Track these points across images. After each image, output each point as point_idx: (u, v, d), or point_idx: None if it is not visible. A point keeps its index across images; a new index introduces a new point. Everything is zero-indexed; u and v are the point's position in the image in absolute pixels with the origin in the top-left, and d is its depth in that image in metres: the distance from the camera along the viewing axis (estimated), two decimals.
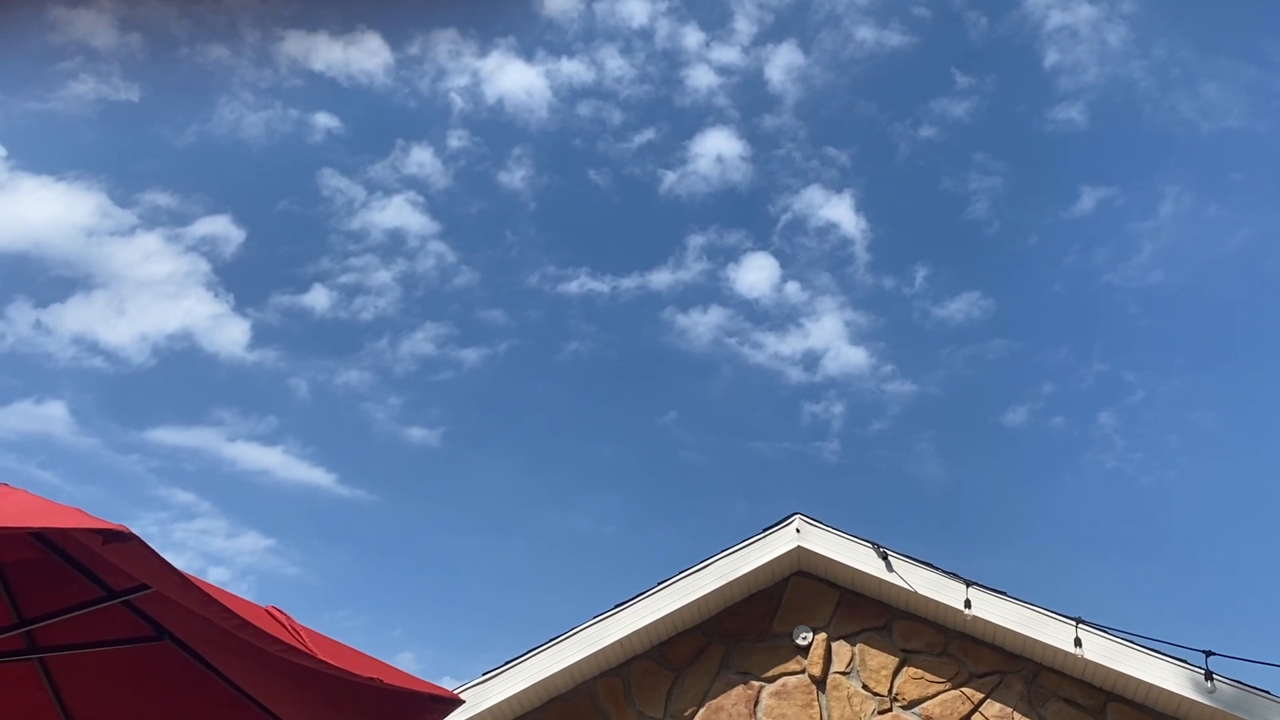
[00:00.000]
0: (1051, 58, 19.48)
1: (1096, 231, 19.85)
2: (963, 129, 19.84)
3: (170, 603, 4.01)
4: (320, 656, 3.71)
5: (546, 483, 21.34)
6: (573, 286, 19.95)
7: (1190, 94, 19.49)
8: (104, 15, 19.32)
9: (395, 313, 20.17)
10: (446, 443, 20.47)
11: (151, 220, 19.62)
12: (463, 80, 20.06)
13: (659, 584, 7.98)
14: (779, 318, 19.76)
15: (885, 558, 7.86)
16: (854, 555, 7.94)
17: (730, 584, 7.95)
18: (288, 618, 4.00)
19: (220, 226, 19.76)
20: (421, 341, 20.06)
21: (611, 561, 19.73)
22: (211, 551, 20.03)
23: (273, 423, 20.56)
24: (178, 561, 3.35)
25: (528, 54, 19.99)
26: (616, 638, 7.86)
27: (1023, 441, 19.73)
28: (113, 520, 3.17)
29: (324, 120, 19.87)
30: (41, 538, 4.07)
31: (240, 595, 3.87)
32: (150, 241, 19.66)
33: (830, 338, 19.57)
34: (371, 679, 3.83)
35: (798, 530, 8.00)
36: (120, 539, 3.07)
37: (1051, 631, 7.61)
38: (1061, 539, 19.51)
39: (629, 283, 19.98)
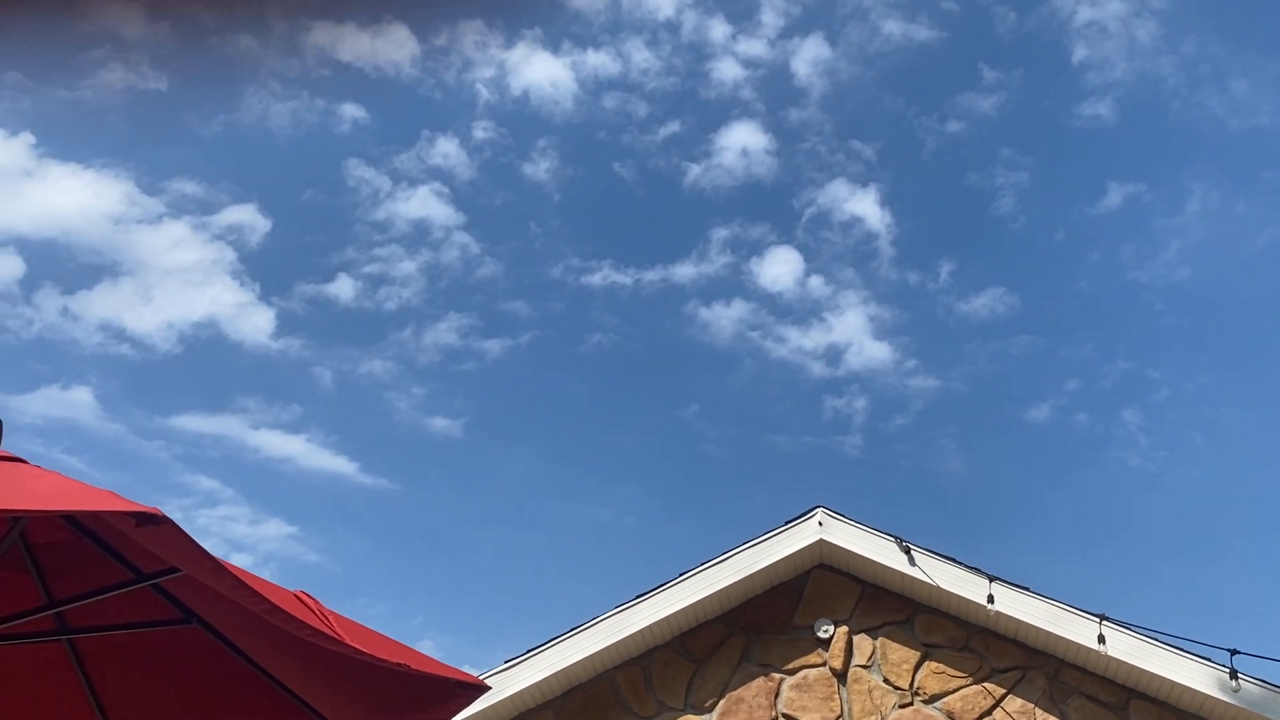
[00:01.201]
0: (1080, 53, 19.36)
1: (1123, 228, 19.74)
2: (990, 124, 19.74)
3: (199, 586, 4.03)
4: (348, 641, 3.72)
5: (568, 474, 21.38)
6: (596, 279, 19.97)
7: (1219, 90, 19.33)
8: (134, 4, 19.41)
9: (419, 303, 20.23)
10: (468, 433, 20.54)
11: (178, 209, 19.73)
12: (489, 72, 20.07)
13: (680, 575, 7.99)
14: (802, 312, 19.72)
15: (908, 552, 7.84)
16: (876, 549, 7.93)
17: (752, 576, 7.95)
18: (316, 602, 4.02)
19: (246, 215, 19.85)
20: (445, 332, 20.12)
21: (632, 553, 19.76)
22: (234, 538, 20.15)
23: (296, 411, 20.67)
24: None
25: (554, 46, 19.98)
26: (638, 628, 7.87)
27: (1046, 438, 19.65)
28: (139, 503, 3.18)
29: (350, 111, 19.91)
30: (72, 520, 4.09)
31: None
32: (177, 230, 19.77)
33: (853, 332, 19.53)
34: (399, 664, 3.84)
35: (820, 523, 7.99)
36: (153, 521, 3.08)
37: (1074, 628, 7.58)
38: (1084, 536, 19.43)
39: (652, 275, 19.99)
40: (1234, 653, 7.19)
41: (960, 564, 7.84)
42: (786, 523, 8.07)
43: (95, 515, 3.61)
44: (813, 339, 19.58)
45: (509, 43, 20.06)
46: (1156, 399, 19.81)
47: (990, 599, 7.65)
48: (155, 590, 4.37)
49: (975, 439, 20.33)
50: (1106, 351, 20.19)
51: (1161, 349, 19.97)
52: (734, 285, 19.82)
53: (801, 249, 19.83)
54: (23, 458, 3.85)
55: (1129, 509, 19.55)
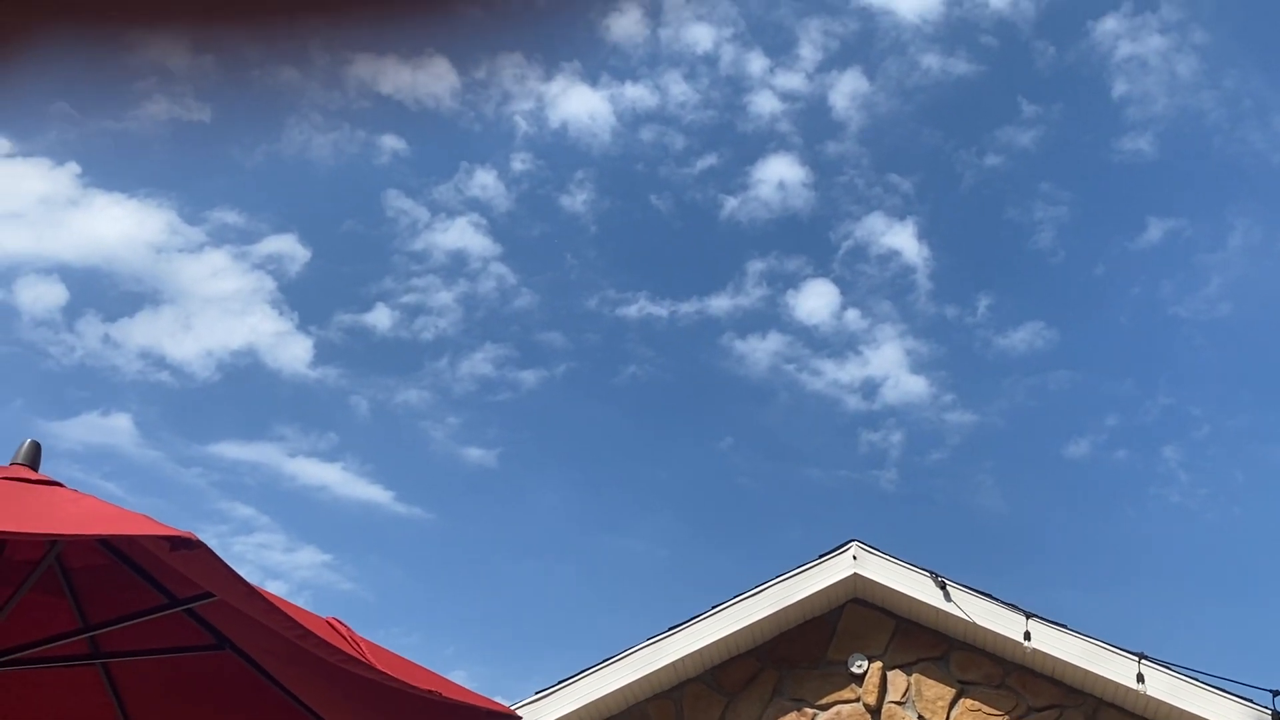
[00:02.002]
0: (1120, 88, 19.28)
1: (1164, 263, 19.58)
2: (1029, 158, 19.68)
3: (232, 611, 4.05)
4: (379, 668, 3.73)
5: (601, 505, 21.36)
6: (631, 310, 20.00)
7: (1261, 125, 19.18)
8: (180, 37, 19.73)
9: (455, 333, 20.32)
10: (503, 463, 20.57)
11: (220, 238, 19.95)
12: (527, 105, 20.21)
13: (713, 608, 7.95)
14: (838, 345, 19.66)
15: (943, 587, 7.77)
16: (911, 583, 7.86)
17: (785, 609, 7.89)
18: (347, 629, 4.03)
19: (286, 245, 20.04)
20: (481, 362, 20.19)
21: (665, 585, 19.68)
22: (270, 565, 20.24)
23: (333, 439, 20.79)
24: None
25: (592, 79, 20.12)
26: (669, 660, 7.83)
27: (1085, 474, 19.45)
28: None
29: (390, 142, 20.10)
30: (107, 544, 4.13)
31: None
32: (218, 259, 19.99)
33: (890, 366, 19.44)
34: (430, 691, 3.83)
35: (854, 557, 7.94)
36: (187, 546, 3.10)
37: (1113, 666, 7.47)
38: (1123, 573, 19.18)
39: (688, 307, 19.99)
40: (1276, 693, 7.07)
41: (997, 600, 7.75)
42: (820, 556, 8.02)
43: (130, 539, 3.64)
44: (849, 372, 19.51)
45: (548, 76, 20.22)
46: (1198, 435, 19.58)
47: (1027, 636, 7.56)
48: (188, 615, 4.39)
49: (1013, 474, 20.16)
50: (1147, 387, 20.00)
51: (1203, 385, 19.76)
52: (770, 318, 19.80)
53: (838, 282, 19.80)
54: (60, 481, 3.90)
55: (1169, 546, 19.29)
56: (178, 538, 3.11)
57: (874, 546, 8.00)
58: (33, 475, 3.86)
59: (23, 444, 4.14)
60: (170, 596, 4.28)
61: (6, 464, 4.07)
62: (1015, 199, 19.88)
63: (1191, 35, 19.33)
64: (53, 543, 3.97)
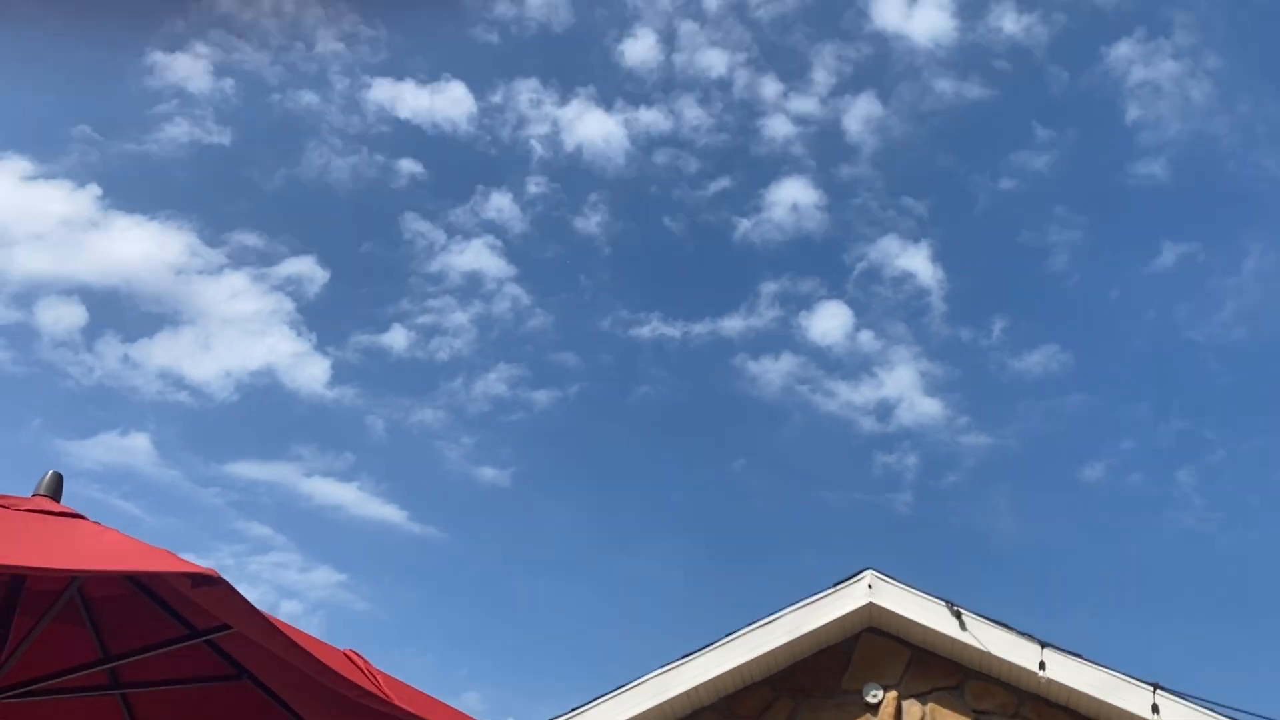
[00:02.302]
0: (1133, 112, 19.30)
1: (1178, 287, 19.55)
2: (1043, 182, 19.69)
3: (250, 642, 4.08)
4: (395, 702, 3.75)
5: (614, 526, 21.36)
6: (645, 331, 20.05)
7: (1275, 150, 19.16)
8: (200, 61, 19.91)
9: (470, 353, 20.40)
10: (516, 483, 20.60)
11: (239, 260, 20.09)
12: (543, 128, 20.34)
13: (727, 636, 7.94)
14: (852, 366, 19.66)
15: (959, 616, 7.75)
16: (927, 613, 7.84)
17: (799, 639, 7.89)
18: (365, 662, 4.05)
19: (305, 267, 20.17)
20: (495, 382, 20.25)
21: (678, 607, 19.65)
22: (285, 585, 20.29)
23: (349, 459, 20.85)
24: (252, 594, 3.41)
25: (607, 103, 20.23)
26: (683, 689, 7.82)
27: (1100, 498, 19.38)
28: (195, 554, 3.24)
29: (408, 166, 20.24)
30: (130, 576, 4.16)
31: (311, 630, 3.93)
32: (237, 280, 20.12)
33: (904, 388, 19.42)
34: None
35: (869, 586, 7.93)
36: (209, 583, 3.14)
37: (1128, 697, 7.44)
38: (1139, 599, 19.08)
39: (701, 328, 20.03)
40: None
41: (1012, 629, 7.73)
42: (835, 585, 8.01)
43: (154, 574, 3.67)
44: (863, 394, 19.50)
45: (563, 100, 20.34)
46: (1212, 459, 19.50)
47: (1042, 666, 7.54)
48: (207, 646, 4.42)
49: (1028, 498, 20.09)
50: (1161, 411, 19.94)
51: (1217, 409, 19.68)
52: (783, 339, 19.82)
53: (852, 304, 19.82)
54: (82, 514, 3.94)
55: (1184, 571, 19.19)
56: (199, 574, 3.15)
57: (889, 575, 7.99)
58: (55, 507, 3.90)
59: (45, 475, 4.18)
60: (190, 627, 4.32)
61: (28, 494, 4.11)
62: (1029, 222, 19.90)
63: (1205, 60, 19.34)
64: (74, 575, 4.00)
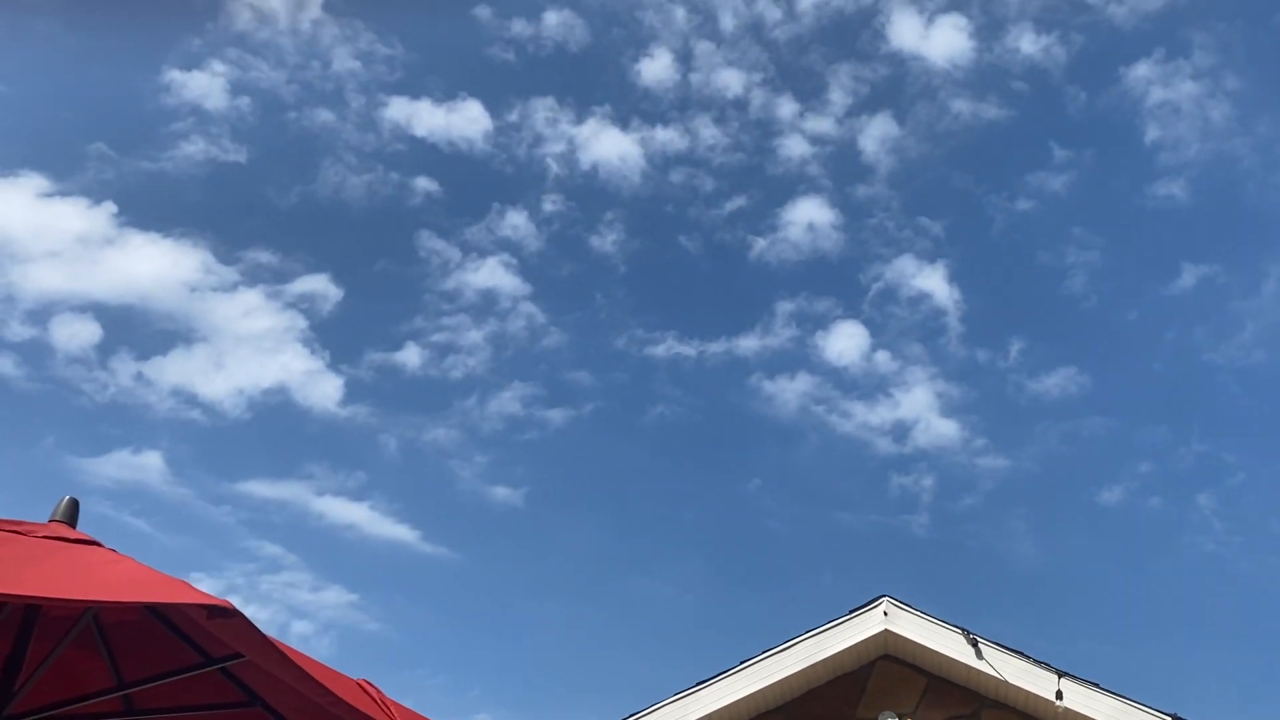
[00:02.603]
0: (1152, 133, 19.28)
1: (1197, 309, 19.48)
2: (1060, 202, 19.67)
3: (264, 669, 4.08)
4: None
5: (628, 547, 21.32)
6: (659, 350, 20.06)
7: None
8: (217, 79, 20.04)
9: (484, 372, 20.42)
10: (529, 503, 20.58)
11: (253, 277, 20.16)
12: (559, 147, 20.40)
13: (741, 663, 7.91)
14: (868, 387, 19.63)
15: (975, 644, 7.71)
16: (943, 641, 7.80)
17: (814, 666, 7.85)
18: (378, 691, 4.05)
19: (319, 285, 20.24)
20: (509, 401, 20.27)
21: (691, 631, 19.59)
22: (296, 604, 20.29)
23: (361, 478, 20.87)
24: (262, 615, 3.42)
25: (623, 122, 20.28)
26: (697, 716, 7.79)
27: (1118, 521, 19.29)
28: (206, 573, 3.25)
29: (424, 184, 20.31)
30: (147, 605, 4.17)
31: (322, 650, 3.94)
32: (251, 298, 20.19)
33: (921, 409, 19.37)
34: None
35: (885, 613, 7.89)
36: (224, 615, 3.14)
37: None
38: (1158, 625, 18.96)
39: (716, 347, 20.03)
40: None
41: (1028, 657, 7.69)
42: (851, 611, 7.98)
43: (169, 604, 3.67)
44: (879, 415, 19.46)
45: (579, 118, 20.40)
46: (1233, 483, 19.39)
47: (1059, 695, 7.49)
48: (221, 673, 4.43)
49: (1046, 521, 20.01)
50: (1181, 434, 19.85)
51: (1238, 432, 19.58)
52: (799, 359, 19.81)
53: (868, 324, 19.80)
54: (98, 540, 3.95)
55: (1204, 597, 19.07)
56: (215, 606, 3.15)
57: (905, 602, 7.96)
58: (71, 534, 3.91)
59: (61, 501, 4.19)
60: (204, 654, 4.32)
61: (42, 515, 4.13)
62: (1047, 243, 19.87)
63: (1224, 81, 19.32)
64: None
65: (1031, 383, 19.41)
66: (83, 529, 4.13)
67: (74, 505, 4.20)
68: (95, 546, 3.85)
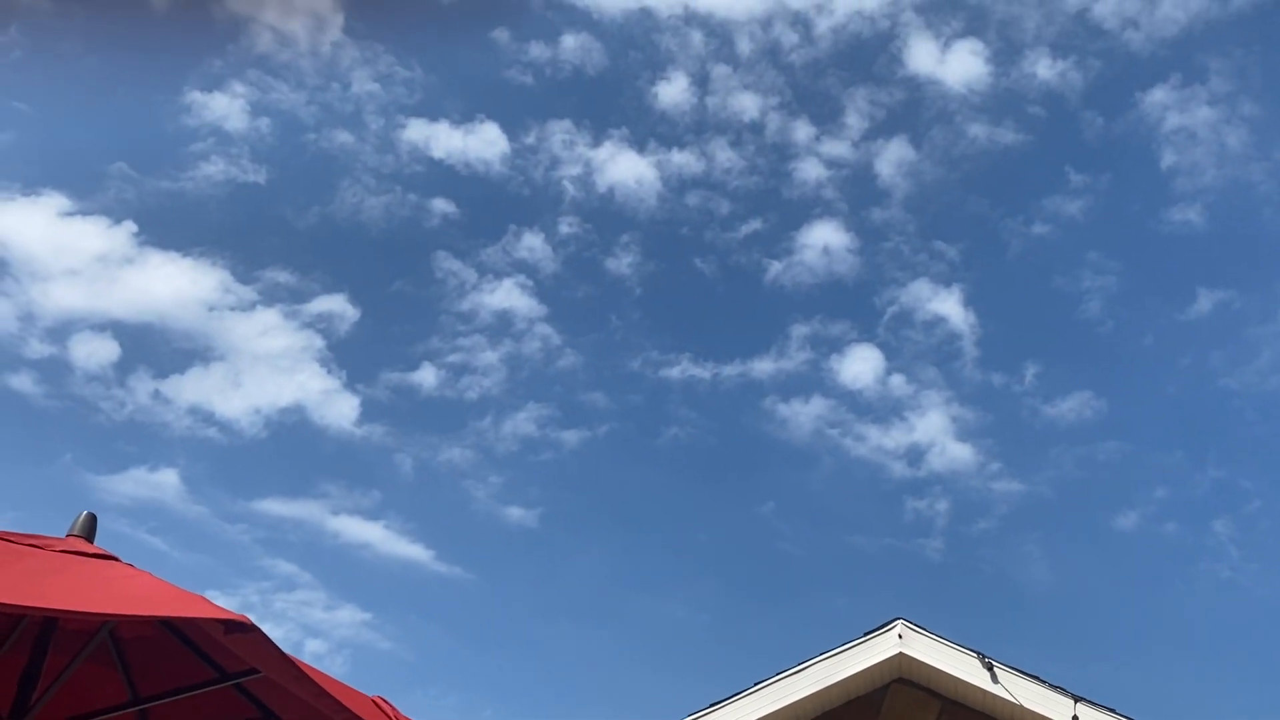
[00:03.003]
0: (1169, 158, 19.26)
1: (1213, 334, 19.42)
2: (1076, 227, 19.65)
3: (279, 686, 4.09)
4: None
5: (642, 568, 21.29)
6: (674, 372, 20.07)
7: None
8: (237, 100, 20.18)
9: (500, 392, 20.46)
10: (543, 523, 20.57)
11: (271, 297, 20.26)
12: (575, 169, 20.49)
13: (755, 685, 7.88)
14: (883, 410, 19.59)
15: (990, 668, 7.67)
16: (957, 664, 7.76)
17: (828, 689, 7.82)
18: (392, 708, 4.05)
19: (336, 304, 20.33)
20: (524, 422, 20.29)
21: (704, 653, 19.53)
22: (310, 623, 20.28)
23: (376, 497, 20.89)
24: (277, 633, 3.43)
25: (640, 144, 20.36)
26: None
27: (1134, 547, 19.19)
28: (221, 590, 3.26)
29: (441, 205, 20.41)
30: (164, 620, 4.18)
31: (336, 669, 3.94)
32: (269, 317, 20.28)
33: (935, 433, 19.33)
34: None
35: (900, 636, 7.86)
36: (242, 630, 3.15)
37: None
38: (1174, 651, 18.82)
39: (731, 370, 20.03)
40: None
41: (1044, 682, 7.64)
42: (865, 634, 7.95)
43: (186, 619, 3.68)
44: (893, 438, 19.42)
45: (596, 141, 20.49)
46: (1249, 509, 19.28)
47: None
48: (236, 689, 4.43)
49: (1061, 546, 19.92)
50: (1197, 460, 19.76)
51: (1254, 458, 19.48)
52: (813, 382, 19.79)
53: (883, 347, 19.78)
54: (116, 555, 3.97)
55: (1220, 623, 18.93)
56: (233, 621, 3.16)
57: (920, 625, 7.92)
58: (89, 549, 3.93)
59: (79, 516, 4.22)
60: (219, 670, 4.33)
61: (60, 532, 4.15)
62: (1063, 268, 19.85)
63: (1241, 107, 19.30)
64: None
65: (1047, 407, 19.37)
66: (99, 545, 4.16)
67: (92, 520, 4.22)
68: (113, 561, 3.86)
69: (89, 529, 4.19)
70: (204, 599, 3.37)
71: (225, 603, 3.35)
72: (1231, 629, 18.89)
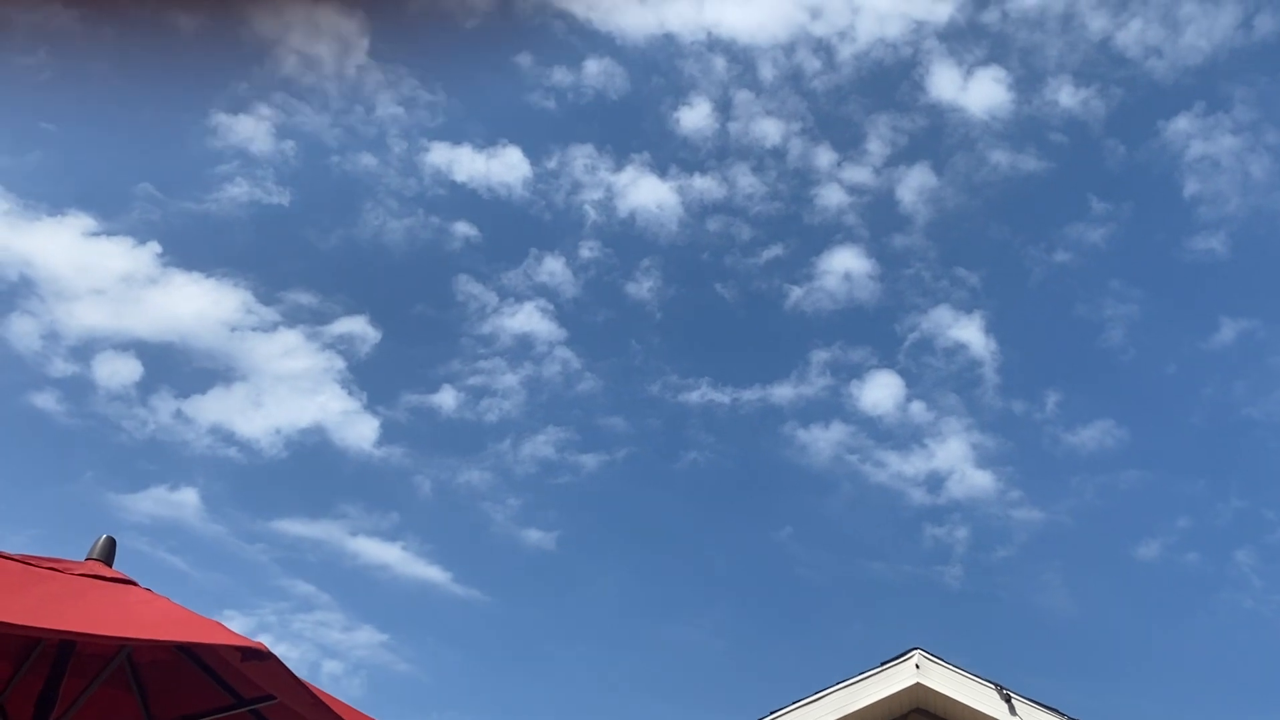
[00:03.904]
0: (1192, 187, 19.19)
1: (1236, 363, 19.29)
2: (1099, 255, 19.58)
3: (294, 712, 4.09)
4: None
5: (659, 593, 21.22)
6: (694, 396, 20.05)
7: None
8: (263, 123, 20.34)
9: (519, 415, 20.47)
10: (561, 546, 20.54)
11: (293, 318, 20.35)
12: (597, 194, 20.55)
13: (771, 713, 7.84)
14: (903, 437, 19.52)
15: (1008, 700, 7.61)
16: (975, 695, 7.70)
17: (846, 718, 7.76)
18: None
19: (358, 326, 20.40)
20: (543, 445, 20.29)
21: (721, 678, 19.43)
22: (327, 644, 20.27)
23: (395, 519, 20.90)
24: (294, 653, 3.43)
25: (661, 169, 20.41)
26: None
27: (1155, 577, 19.03)
28: (238, 610, 3.26)
29: (463, 229, 20.48)
30: (181, 646, 4.19)
31: (352, 690, 3.94)
32: (290, 338, 20.36)
33: (956, 460, 19.24)
34: None
35: (917, 666, 7.80)
36: (258, 657, 3.15)
37: None
38: (1195, 682, 18.63)
39: (750, 395, 20.00)
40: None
41: (1063, 714, 7.57)
42: (883, 664, 7.90)
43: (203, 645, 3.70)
44: (913, 465, 19.33)
45: (618, 166, 20.55)
46: (1272, 539, 19.09)
47: None
48: (252, 715, 4.43)
49: (1081, 575, 19.77)
50: (1219, 489, 19.60)
51: (1277, 487, 19.31)
52: (833, 407, 19.73)
53: (903, 374, 19.72)
54: (134, 579, 3.98)
55: (1242, 654, 18.73)
56: (250, 649, 3.17)
57: (938, 656, 7.87)
58: (108, 572, 3.95)
59: (98, 540, 4.24)
60: (235, 695, 4.34)
61: (78, 550, 4.17)
62: (1085, 296, 19.76)
63: (1265, 136, 19.21)
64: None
65: (1068, 435, 19.26)
66: (118, 566, 4.18)
67: (111, 544, 4.24)
68: (131, 585, 3.88)
69: (108, 553, 4.21)
70: (221, 625, 3.38)
71: (242, 623, 3.37)
72: (1254, 660, 18.69)
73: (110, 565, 4.14)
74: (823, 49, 20.01)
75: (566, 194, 20.62)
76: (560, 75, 20.28)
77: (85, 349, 19.75)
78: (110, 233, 19.71)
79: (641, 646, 20.70)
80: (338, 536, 20.47)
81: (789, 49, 20.08)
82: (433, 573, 20.42)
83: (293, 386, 20.48)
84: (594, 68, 20.29)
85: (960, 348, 19.44)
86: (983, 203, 20.03)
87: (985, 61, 19.71)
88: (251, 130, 19.78)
